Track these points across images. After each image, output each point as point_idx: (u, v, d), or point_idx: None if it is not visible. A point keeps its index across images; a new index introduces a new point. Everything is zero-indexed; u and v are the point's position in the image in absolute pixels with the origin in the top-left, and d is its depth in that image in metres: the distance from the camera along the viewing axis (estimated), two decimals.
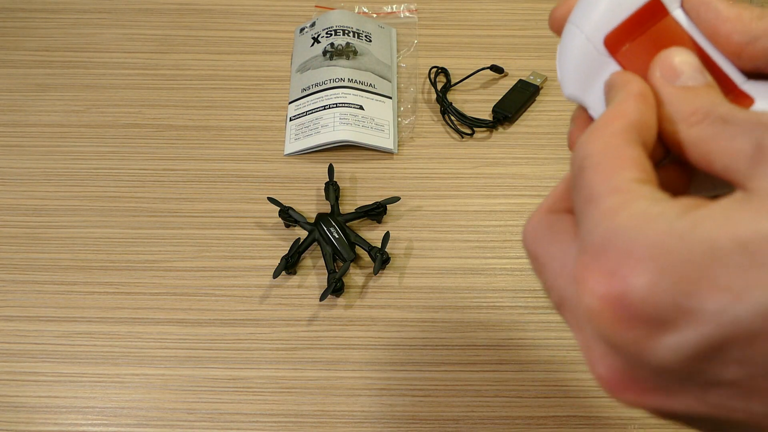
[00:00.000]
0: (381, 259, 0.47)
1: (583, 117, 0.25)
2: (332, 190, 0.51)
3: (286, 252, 0.48)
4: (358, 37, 0.59)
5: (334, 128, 0.54)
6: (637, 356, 0.17)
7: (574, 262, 0.18)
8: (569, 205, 0.22)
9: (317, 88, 0.56)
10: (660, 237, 0.16)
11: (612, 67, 0.24)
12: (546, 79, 0.57)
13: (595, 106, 0.25)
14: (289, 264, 0.48)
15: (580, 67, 0.24)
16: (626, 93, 0.22)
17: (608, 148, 0.19)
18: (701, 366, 0.17)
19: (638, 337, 0.17)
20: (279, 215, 0.50)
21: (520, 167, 0.53)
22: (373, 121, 0.55)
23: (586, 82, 0.24)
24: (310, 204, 0.52)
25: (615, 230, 0.17)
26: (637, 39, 0.23)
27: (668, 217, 0.17)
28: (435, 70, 0.59)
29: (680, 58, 0.22)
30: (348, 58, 0.58)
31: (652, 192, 0.18)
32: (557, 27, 0.25)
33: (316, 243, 0.49)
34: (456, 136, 0.55)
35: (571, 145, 0.25)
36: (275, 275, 0.47)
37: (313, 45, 0.59)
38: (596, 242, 0.17)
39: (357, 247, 0.49)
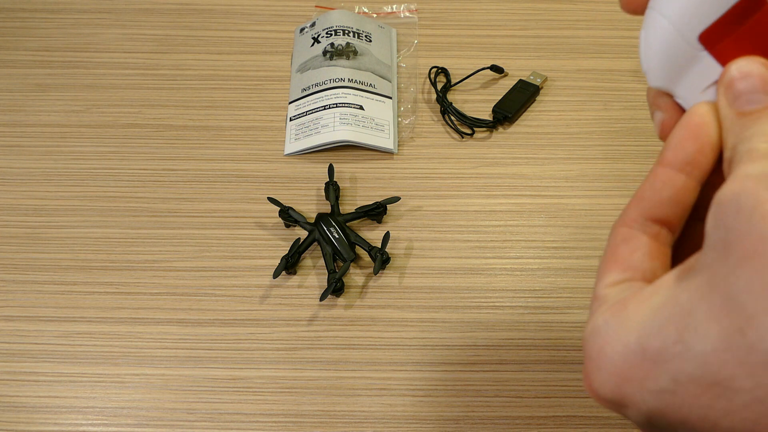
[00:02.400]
0: (381, 259, 0.47)
1: (669, 103, 0.25)
2: (332, 190, 0.51)
3: (286, 252, 0.48)
4: (358, 37, 0.59)
5: (334, 128, 0.54)
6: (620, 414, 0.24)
7: None
8: None
9: (317, 88, 0.56)
10: (601, 349, 0.22)
11: (707, 60, 0.22)
12: (546, 79, 0.57)
13: (686, 96, 0.24)
14: (289, 264, 0.48)
15: (671, 60, 0.23)
16: (660, 160, 0.24)
17: (609, 247, 0.25)
18: (660, 425, 0.22)
19: (612, 408, 0.23)
20: (279, 215, 0.50)
21: (520, 167, 0.53)
22: (373, 121, 0.55)
23: (676, 74, 0.23)
24: (310, 204, 0.52)
25: (587, 338, 0.23)
26: (736, 32, 0.22)
27: (607, 323, 0.23)
28: (435, 70, 0.59)
29: (742, 70, 0.22)
30: (348, 58, 0.58)
31: (615, 295, 0.23)
32: (632, 8, 0.24)
33: (316, 243, 0.49)
34: (456, 136, 0.55)
35: (664, 136, 0.25)
36: (275, 275, 0.47)
37: (313, 45, 0.59)
38: (583, 339, 0.24)
39: (357, 247, 0.49)
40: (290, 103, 0.57)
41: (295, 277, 0.48)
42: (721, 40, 0.22)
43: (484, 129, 0.56)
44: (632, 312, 0.22)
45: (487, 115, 0.56)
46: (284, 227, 0.51)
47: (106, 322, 0.47)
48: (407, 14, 0.63)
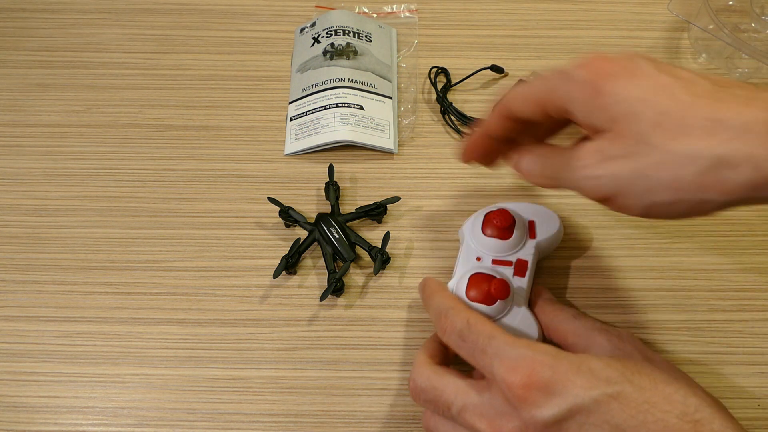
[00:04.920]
0: (381, 259, 0.47)
1: None
2: (332, 190, 0.51)
3: (286, 252, 0.48)
4: (359, 37, 0.59)
5: (334, 128, 0.54)
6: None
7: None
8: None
9: (317, 88, 0.56)
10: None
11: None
12: None
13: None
14: (290, 264, 0.48)
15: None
16: None
17: None
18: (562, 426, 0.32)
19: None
20: (279, 215, 0.50)
21: None
22: (373, 121, 0.55)
23: None
24: (310, 204, 0.52)
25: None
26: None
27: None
28: (435, 70, 0.59)
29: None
30: (348, 58, 0.58)
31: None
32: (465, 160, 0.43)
33: (316, 243, 0.49)
34: (456, 136, 0.55)
35: None
36: (275, 275, 0.47)
37: (313, 45, 0.59)
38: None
39: (357, 247, 0.49)
40: (290, 103, 0.57)
41: (295, 277, 0.48)
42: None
43: None
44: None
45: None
46: (284, 227, 0.51)
47: (106, 322, 0.47)
48: (407, 14, 0.63)
